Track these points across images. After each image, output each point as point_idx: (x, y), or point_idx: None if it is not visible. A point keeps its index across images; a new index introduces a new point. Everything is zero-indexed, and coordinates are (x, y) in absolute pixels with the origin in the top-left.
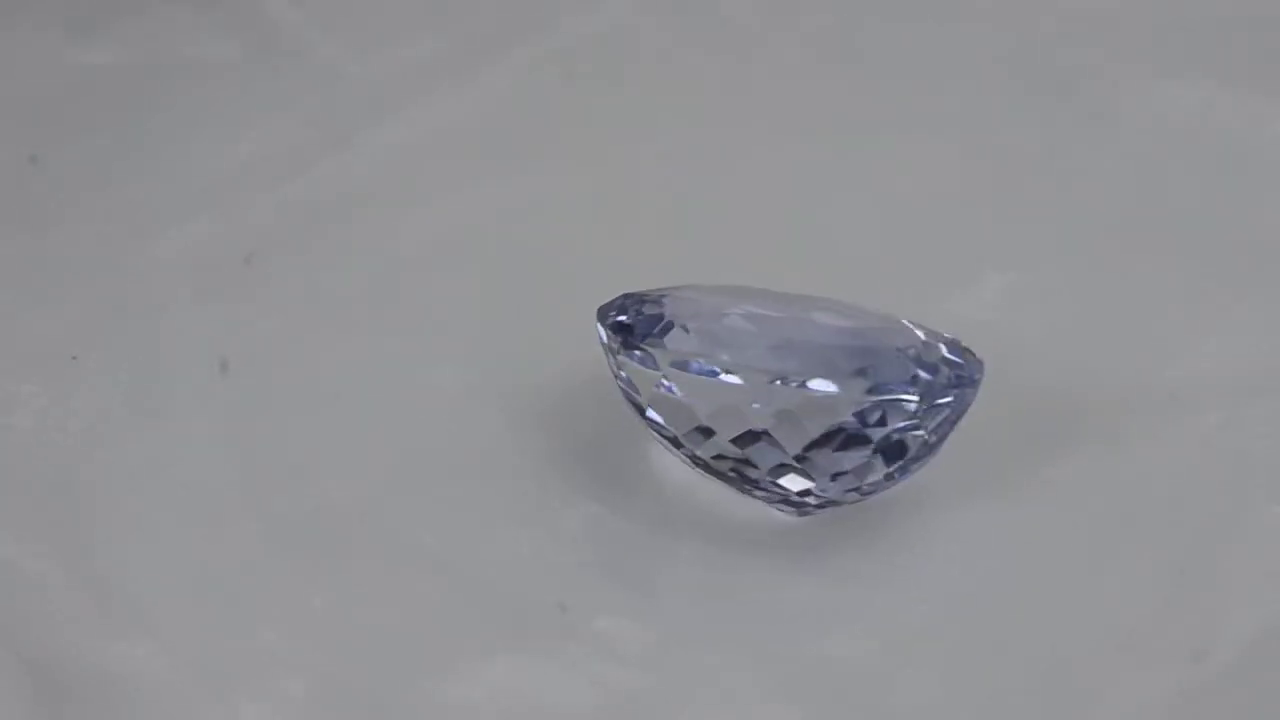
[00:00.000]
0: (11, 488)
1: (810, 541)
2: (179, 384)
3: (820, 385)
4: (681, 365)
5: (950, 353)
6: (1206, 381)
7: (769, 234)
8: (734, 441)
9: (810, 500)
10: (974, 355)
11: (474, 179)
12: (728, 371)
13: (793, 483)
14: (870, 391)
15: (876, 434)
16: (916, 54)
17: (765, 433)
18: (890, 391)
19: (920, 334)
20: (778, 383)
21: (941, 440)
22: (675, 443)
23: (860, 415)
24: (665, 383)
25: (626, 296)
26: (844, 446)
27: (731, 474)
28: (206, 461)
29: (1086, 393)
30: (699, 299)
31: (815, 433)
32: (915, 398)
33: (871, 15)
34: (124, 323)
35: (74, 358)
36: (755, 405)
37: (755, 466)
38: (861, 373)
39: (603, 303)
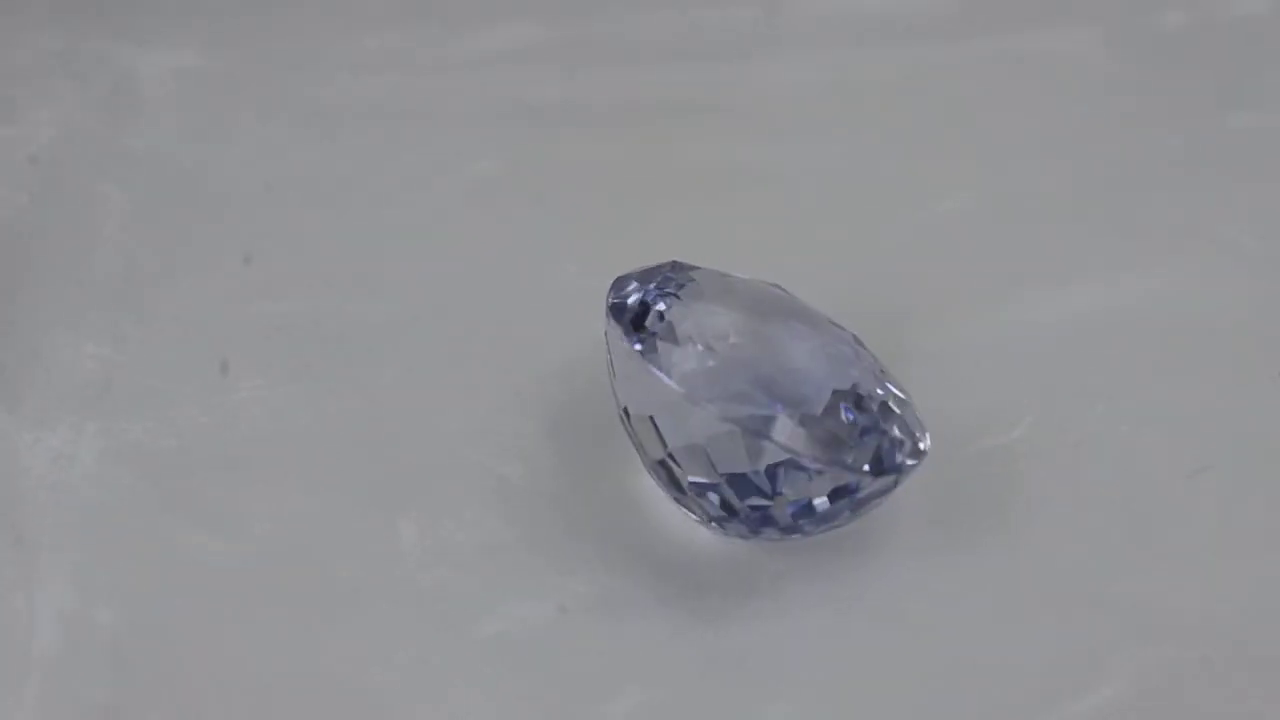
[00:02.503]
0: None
1: (682, 572)
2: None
3: (742, 424)
4: (645, 352)
5: (897, 431)
6: None
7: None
8: (665, 446)
9: (724, 524)
10: (917, 438)
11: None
12: (679, 379)
13: (705, 500)
14: (795, 447)
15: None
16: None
17: (692, 449)
18: (804, 455)
19: (887, 400)
20: (712, 407)
21: (850, 500)
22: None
23: (764, 470)
24: (623, 362)
25: (672, 265)
26: (745, 490)
27: (664, 475)
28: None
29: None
30: (712, 297)
31: (726, 467)
32: (819, 466)
33: None
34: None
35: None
36: (690, 420)
37: (678, 471)
38: (796, 424)
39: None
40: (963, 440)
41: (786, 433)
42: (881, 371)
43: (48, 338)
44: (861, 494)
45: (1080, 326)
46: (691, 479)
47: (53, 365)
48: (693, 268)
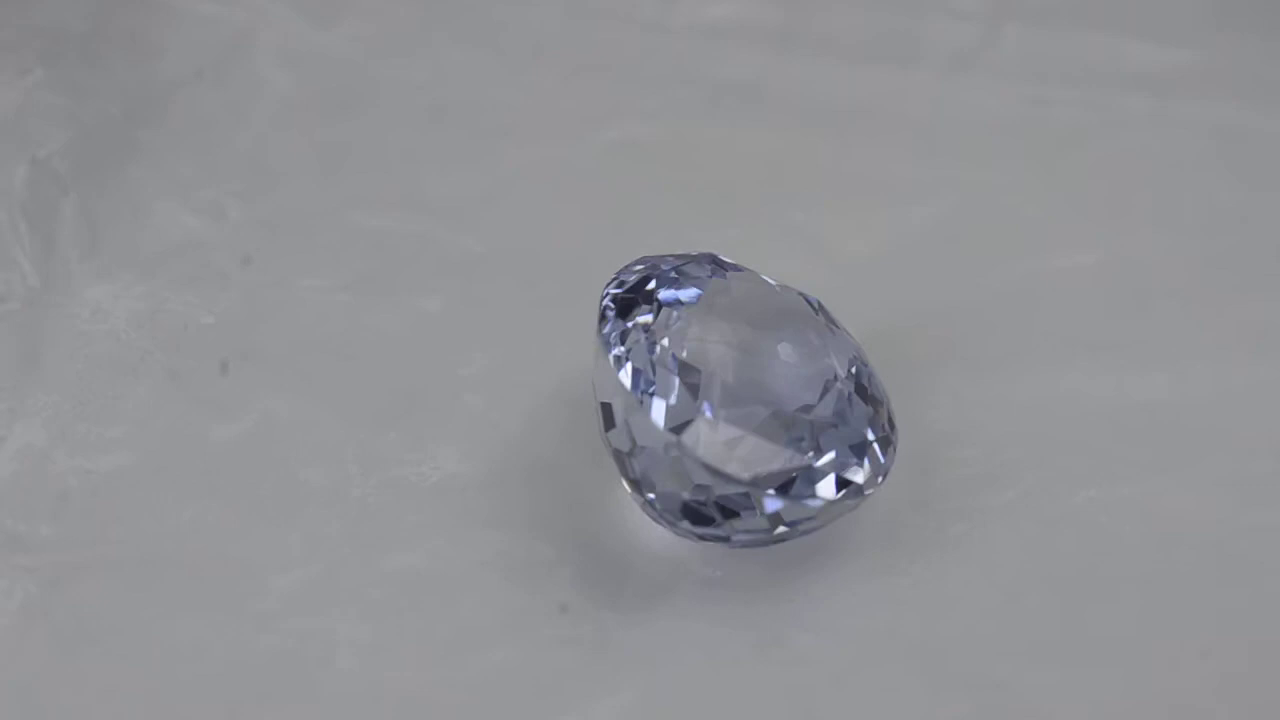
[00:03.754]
0: None
1: (610, 555)
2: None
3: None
4: (615, 336)
5: (852, 472)
6: None
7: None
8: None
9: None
10: (854, 478)
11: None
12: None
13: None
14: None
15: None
16: None
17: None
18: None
19: (846, 436)
20: (645, 409)
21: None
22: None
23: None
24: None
25: (699, 257)
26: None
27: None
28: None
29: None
30: (724, 298)
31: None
32: (705, 475)
33: None
34: None
35: None
36: (633, 416)
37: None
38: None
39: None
40: (948, 494)
41: (697, 436)
42: (874, 409)
43: (153, 201)
44: (757, 516)
45: (1127, 409)
46: (633, 469)
47: (143, 226)
48: (730, 266)
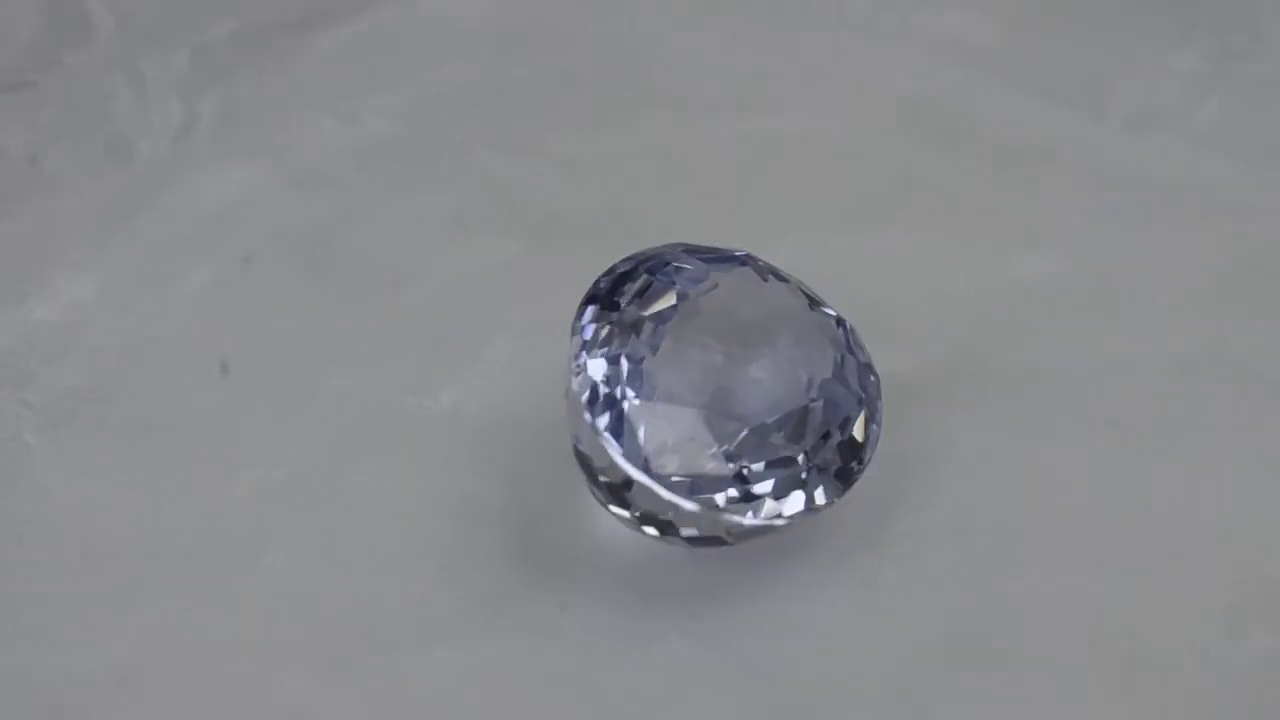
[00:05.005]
0: None
1: (548, 534)
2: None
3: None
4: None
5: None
6: None
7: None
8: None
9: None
10: (782, 505)
11: None
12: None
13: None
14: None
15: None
16: None
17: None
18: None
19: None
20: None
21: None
22: None
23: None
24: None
25: (722, 254)
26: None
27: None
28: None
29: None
30: (738, 301)
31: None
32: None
33: None
34: None
35: None
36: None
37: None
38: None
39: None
40: (901, 540)
41: (629, 430)
42: (848, 445)
43: (299, 103)
44: (674, 520)
45: (1127, 503)
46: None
47: (279, 124)
48: (767, 270)
